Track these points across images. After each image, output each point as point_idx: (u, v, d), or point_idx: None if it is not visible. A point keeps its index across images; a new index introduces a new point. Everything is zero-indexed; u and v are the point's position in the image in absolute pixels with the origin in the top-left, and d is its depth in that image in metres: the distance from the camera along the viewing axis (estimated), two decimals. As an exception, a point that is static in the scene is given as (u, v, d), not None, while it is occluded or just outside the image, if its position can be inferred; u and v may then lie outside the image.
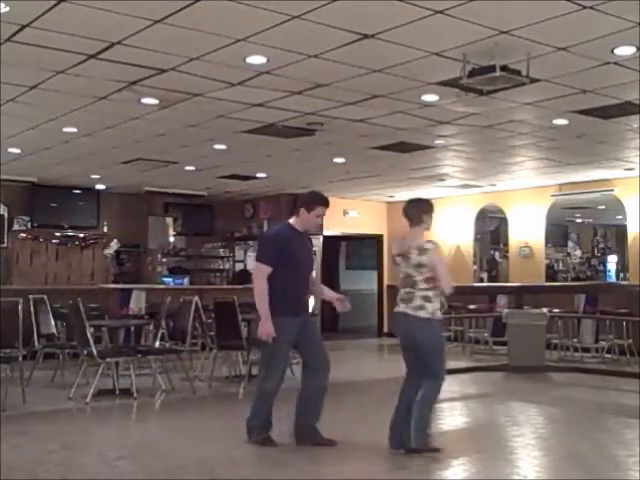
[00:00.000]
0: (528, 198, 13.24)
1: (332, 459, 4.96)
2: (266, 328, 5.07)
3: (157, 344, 8.38)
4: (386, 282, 15.41)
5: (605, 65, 6.03)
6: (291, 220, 5.33)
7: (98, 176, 12.25)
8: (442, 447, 5.06)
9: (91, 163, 10.93)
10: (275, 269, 5.12)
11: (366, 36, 5.38)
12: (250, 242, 15.26)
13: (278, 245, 5.18)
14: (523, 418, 6.71)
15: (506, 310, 10.37)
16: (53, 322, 8.39)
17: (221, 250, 15.36)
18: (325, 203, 5.29)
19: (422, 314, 4.86)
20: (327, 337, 5.37)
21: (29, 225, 13.07)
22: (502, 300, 11.66)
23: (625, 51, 5.67)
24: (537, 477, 4.86)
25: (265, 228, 14.72)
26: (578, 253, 15.78)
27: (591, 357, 10.76)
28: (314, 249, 5.62)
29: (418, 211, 5.11)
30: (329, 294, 5.64)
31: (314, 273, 5.54)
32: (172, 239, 14.79)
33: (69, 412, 6.88)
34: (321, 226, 5.38)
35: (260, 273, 5.16)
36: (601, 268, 15.45)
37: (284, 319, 5.09)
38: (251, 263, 15.14)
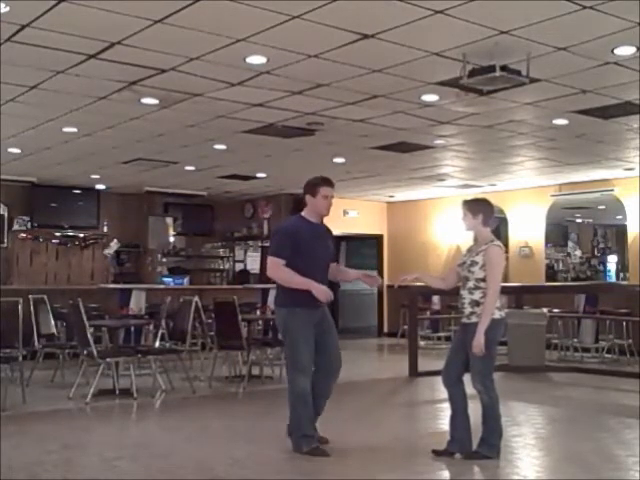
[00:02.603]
0: (528, 198, 13.24)
1: (332, 459, 4.95)
2: (321, 291, 4.98)
3: (157, 344, 8.38)
4: (386, 282, 15.41)
5: (605, 65, 6.03)
6: (303, 212, 5.29)
7: (98, 176, 12.24)
8: (442, 447, 5.05)
9: (91, 163, 10.93)
10: (289, 262, 5.07)
11: (366, 36, 5.39)
12: (250, 242, 15.27)
13: (289, 238, 5.13)
14: (523, 418, 6.71)
15: (506, 310, 10.35)
16: (53, 322, 8.39)
17: (221, 250, 15.35)
18: (327, 182, 5.23)
19: None
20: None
21: (29, 225, 13.06)
22: (502, 300, 11.63)
23: (625, 51, 5.67)
24: (537, 477, 4.86)
25: (265, 228, 14.74)
26: (578, 253, 15.75)
27: (591, 357, 10.76)
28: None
29: None
30: (354, 274, 5.67)
31: (338, 264, 5.44)
32: (172, 239, 14.79)
33: (69, 412, 6.89)
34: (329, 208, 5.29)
35: (275, 265, 5.09)
36: (601, 268, 15.42)
37: (298, 309, 5.04)
38: (251, 263, 15.17)
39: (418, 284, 9.06)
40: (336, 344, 5.27)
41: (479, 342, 4.78)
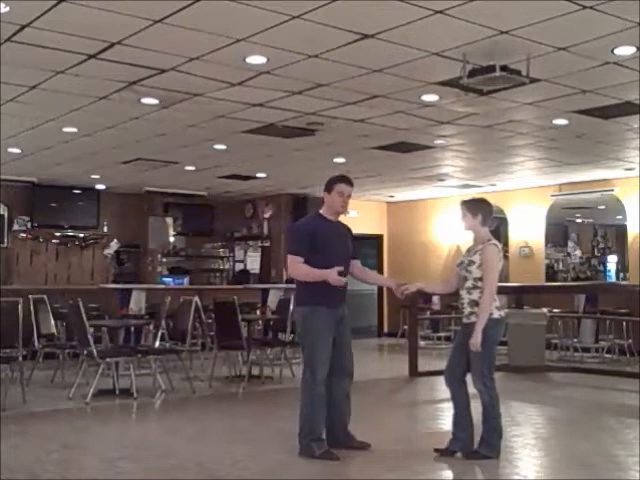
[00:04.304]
0: (528, 198, 13.24)
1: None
2: (331, 276, 4.87)
3: (157, 344, 8.37)
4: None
5: (605, 65, 6.03)
6: (321, 210, 5.26)
7: (98, 176, 12.24)
8: (442, 447, 5.05)
9: (91, 163, 10.92)
10: (307, 260, 5.01)
11: (366, 36, 5.39)
12: (250, 242, 15.27)
13: (308, 235, 5.07)
14: (523, 418, 6.71)
15: (506, 310, 10.35)
16: (53, 322, 8.38)
17: (221, 250, 15.36)
18: (344, 180, 5.21)
19: None
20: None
21: (29, 225, 13.06)
22: (502, 300, 11.63)
23: (625, 51, 5.67)
24: (537, 477, 4.86)
25: (265, 228, 14.74)
26: (578, 253, 15.77)
27: (591, 357, 10.75)
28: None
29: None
30: (385, 282, 5.63)
31: (358, 261, 5.40)
32: (172, 239, 14.78)
33: (69, 412, 6.88)
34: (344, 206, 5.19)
35: (294, 263, 5.02)
36: (601, 268, 15.43)
37: (318, 308, 4.98)
38: (251, 263, 15.17)
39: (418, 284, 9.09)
40: (349, 346, 5.24)
41: (476, 341, 4.79)
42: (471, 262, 4.98)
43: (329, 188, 5.19)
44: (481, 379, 4.89)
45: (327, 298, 4.99)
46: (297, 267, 5.03)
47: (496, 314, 4.92)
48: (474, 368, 4.91)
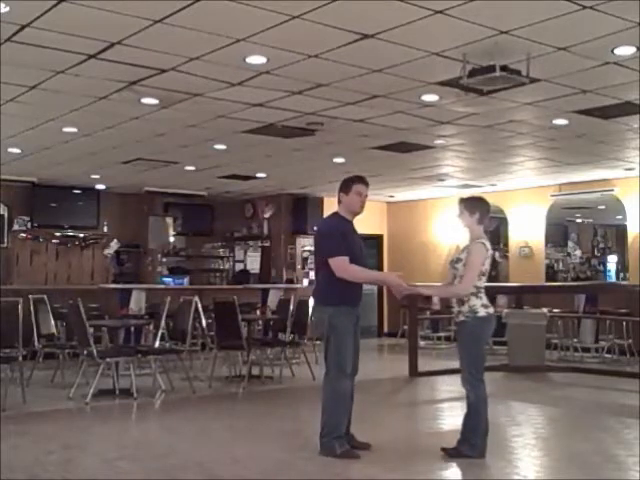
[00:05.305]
0: (528, 198, 13.24)
1: (332, 459, 4.94)
2: (393, 279, 5.07)
3: (157, 344, 8.38)
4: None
5: (605, 65, 6.03)
6: (338, 210, 5.26)
7: (98, 176, 12.24)
8: (443, 445, 5.05)
9: (91, 163, 10.92)
10: None
11: (366, 36, 5.39)
12: (250, 242, 15.27)
13: (341, 235, 5.06)
14: (523, 418, 6.71)
15: (506, 310, 10.37)
16: (53, 322, 8.39)
17: (221, 250, 15.36)
18: (361, 180, 5.20)
19: None
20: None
21: (29, 225, 13.05)
22: (502, 300, 11.67)
23: (625, 51, 5.67)
24: (537, 477, 4.86)
25: (265, 228, 14.72)
26: (578, 253, 15.76)
27: (591, 357, 10.76)
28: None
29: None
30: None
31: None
32: (172, 239, 14.78)
33: (69, 412, 6.89)
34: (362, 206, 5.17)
35: (344, 263, 4.97)
36: (601, 268, 15.43)
37: (341, 308, 5.01)
38: (251, 263, 15.16)
39: (418, 283, 9.08)
40: (358, 346, 5.23)
41: (426, 292, 5.20)
42: (458, 260, 4.98)
43: (347, 189, 5.18)
44: (467, 378, 4.87)
45: (349, 298, 5.05)
46: (349, 267, 4.97)
47: (482, 312, 4.88)
48: (462, 366, 4.90)
